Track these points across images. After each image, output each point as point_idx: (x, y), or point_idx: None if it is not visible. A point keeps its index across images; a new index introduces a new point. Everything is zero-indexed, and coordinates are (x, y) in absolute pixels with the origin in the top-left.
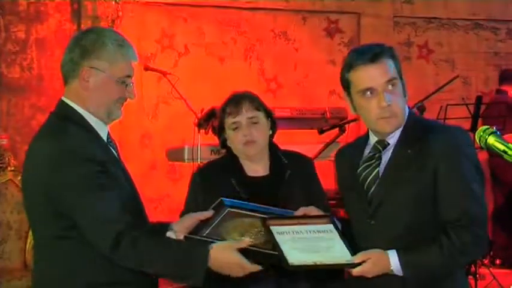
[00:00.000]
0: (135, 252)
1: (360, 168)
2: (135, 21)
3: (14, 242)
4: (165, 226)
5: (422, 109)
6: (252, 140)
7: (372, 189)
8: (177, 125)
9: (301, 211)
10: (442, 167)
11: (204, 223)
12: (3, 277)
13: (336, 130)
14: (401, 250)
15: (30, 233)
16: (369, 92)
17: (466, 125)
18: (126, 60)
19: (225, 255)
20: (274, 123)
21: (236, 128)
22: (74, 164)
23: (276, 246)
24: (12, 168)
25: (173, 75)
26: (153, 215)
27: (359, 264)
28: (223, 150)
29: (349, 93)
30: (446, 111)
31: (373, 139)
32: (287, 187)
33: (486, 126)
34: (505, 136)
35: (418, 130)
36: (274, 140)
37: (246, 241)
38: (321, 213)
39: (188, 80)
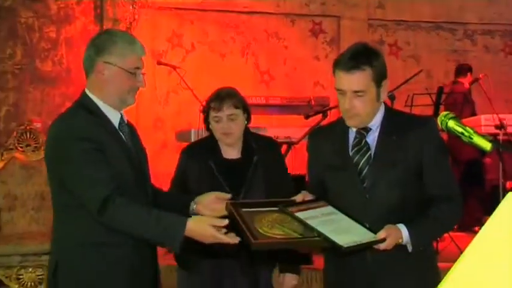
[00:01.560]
0: (119, 217)
1: (352, 152)
2: (149, 23)
3: (48, 210)
4: (189, 197)
5: (392, 98)
6: (230, 132)
7: (365, 170)
8: (185, 111)
9: (300, 197)
10: (426, 150)
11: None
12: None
13: (320, 116)
14: (409, 224)
15: None
16: (341, 92)
17: (429, 111)
18: (134, 55)
19: (201, 227)
20: (249, 116)
21: (217, 121)
22: (70, 141)
23: (309, 229)
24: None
25: (181, 69)
26: (166, 185)
27: (384, 239)
28: None
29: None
30: (412, 99)
31: (351, 126)
32: (254, 169)
33: (447, 112)
34: (463, 120)
35: (399, 119)
36: (270, 122)
37: (222, 220)
38: (312, 197)
39: (194, 73)
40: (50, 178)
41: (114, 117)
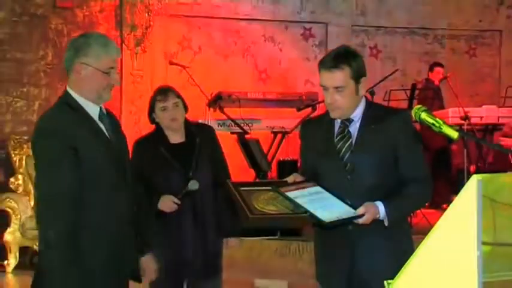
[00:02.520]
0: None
1: (336, 140)
2: (162, 28)
3: None
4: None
5: (372, 93)
6: (176, 118)
7: (347, 155)
8: (193, 105)
9: (291, 178)
10: (401, 138)
11: None
12: None
13: (309, 109)
14: (385, 202)
15: None
16: (324, 88)
17: (404, 105)
18: (109, 56)
19: None
20: (186, 107)
21: (164, 109)
22: (41, 136)
23: (298, 207)
24: None
25: (190, 68)
26: None
27: (363, 215)
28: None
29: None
30: (390, 94)
31: (335, 118)
32: (199, 149)
33: (419, 106)
34: (433, 113)
35: (378, 111)
36: (267, 114)
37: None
38: (300, 178)
39: (201, 72)
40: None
41: (93, 111)
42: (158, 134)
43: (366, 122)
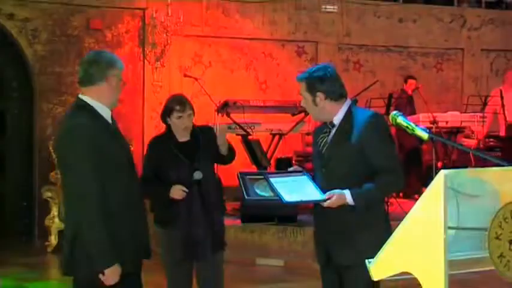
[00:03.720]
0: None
1: (319, 138)
2: (178, 46)
3: None
4: None
5: (355, 102)
6: (188, 127)
7: (323, 150)
8: (204, 111)
9: (291, 168)
10: (364, 135)
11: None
12: None
13: (303, 114)
14: (353, 189)
15: None
16: None
17: (382, 111)
18: (122, 69)
19: None
20: (194, 113)
21: (180, 118)
22: (70, 138)
23: (274, 191)
24: None
25: (201, 79)
26: None
27: (328, 199)
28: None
29: None
30: (370, 102)
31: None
32: (201, 146)
33: (396, 112)
34: (408, 117)
35: (355, 114)
36: (266, 119)
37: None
38: (299, 169)
39: (211, 83)
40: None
41: (106, 114)
42: (169, 134)
43: (342, 122)
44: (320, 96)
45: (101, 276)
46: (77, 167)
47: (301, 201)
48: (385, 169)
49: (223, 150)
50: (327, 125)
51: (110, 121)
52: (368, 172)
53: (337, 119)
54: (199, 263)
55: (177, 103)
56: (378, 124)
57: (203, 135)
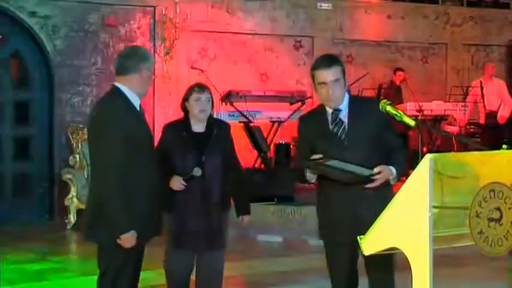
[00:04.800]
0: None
1: (331, 126)
2: (185, 40)
3: None
4: None
5: (348, 91)
6: (205, 110)
7: (343, 136)
8: None
9: (317, 156)
10: (382, 120)
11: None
12: None
13: (299, 103)
14: (394, 165)
15: None
16: (322, 84)
17: None
18: (151, 64)
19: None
20: (213, 103)
21: (198, 100)
22: (106, 122)
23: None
24: None
25: (207, 71)
26: None
27: (378, 173)
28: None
29: (313, 82)
30: (361, 93)
31: (329, 109)
32: (213, 140)
33: (385, 100)
34: (397, 106)
35: (359, 102)
36: (266, 107)
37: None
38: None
39: (216, 75)
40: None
41: (136, 102)
42: (184, 122)
43: (352, 110)
44: (346, 77)
45: (118, 240)
46: (109, 139)
47: (364, 176)
48: (396, 147)
49: None
50: (319, 113)
51: (138, 108)
52: (383, 153)
53: (343, 106)
54: (199, 259)
55: (196, 85)
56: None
57: (218, 129)
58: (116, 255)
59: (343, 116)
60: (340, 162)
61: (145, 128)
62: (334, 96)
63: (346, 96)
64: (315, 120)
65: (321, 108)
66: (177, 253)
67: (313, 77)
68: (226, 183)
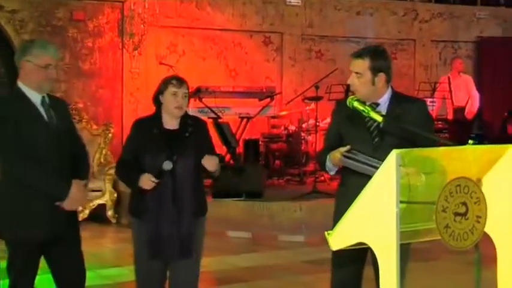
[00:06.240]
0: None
1: (366, 119)
2: (154, 36)
3: None
4: None
5: (317, 87)
6: (181, 107)
7: (376, 131)
8: None
9: (345, 149)
10: (421, 122)
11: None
12: None
13: (268, 99)
14: None
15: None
16: (351, 72)
17: (342, 96)
18: (47, 56)
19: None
20: (188, 99)
21: (175, 95)
22: None
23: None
24: (85, 120)
25: (176, 67)
26: None
27: None
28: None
29: None
30: (331, 88)
31: (367, 101)
32: (187, 138)
33: (353, 96)
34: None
35: (401, 99)
36: (235, 103)
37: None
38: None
39: (184, 70)
40: None
41: (36, 98)
42: (156, 118)
43: (392, 107)
44: (381, 76)
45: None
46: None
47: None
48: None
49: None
50: (368, 105)
51: (37, 105)
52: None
53: (383, 100)
54: (171, 266)
55: (174, 78)
56: (428, 111)
57: (194, 126)
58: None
59: (382, 109)
60: (366, 156)
61: (44, 125)
62: (355, 87)
63: (389, 91)
64: (349, 109)
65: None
66: (149, 263)
67: None
68: (199, 187)
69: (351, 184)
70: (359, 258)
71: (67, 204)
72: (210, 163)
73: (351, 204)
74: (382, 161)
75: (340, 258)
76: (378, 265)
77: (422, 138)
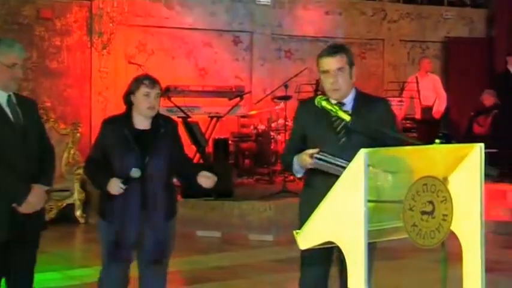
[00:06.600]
0: None
1: (333, 118)
2: (123, 35)
3: None
4: None
5: (286, 86)
6: (154, 108)
7: (343, 131)
8: None
9: (314, 151)
10: (388, 122)
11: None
12: None
13: (238, 98)
14: None
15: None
16: (326, 72)
17: (311, 95)
18: (13, 55)
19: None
20: (160, 98)
21: (147, 95)
22: None
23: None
24: (52, 119)
25: (145, 66)
26: None
27: None
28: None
29: (318, 71)
30: (300, 87)
31: (332, 101)
32: (159, 138)
33: (321, 96)
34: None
35: (365, 98)
36: (205, 103)
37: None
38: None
39: (154, 70)
40: None
41: (1, 98)
42: (126, 118)
43: (357, 106)
44: (354, 69)
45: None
46: None
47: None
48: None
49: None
50: (312, 104)
51: (3, 105)
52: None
53: (347, 100)
54: (139, 273)
55: (146, 78)
56: (391, 109)
57: (166, 126)
58: None
59: (348, 109)
60: (334, 157)
61: (9, 125)
62: (338, 85)
63: (353, 91)
64: (314, 109)
65: (314, 100)
66: (113, 266)
67: (318, 66)
68: (170, 188)
69: (317, 185)
70: (327, 257)
71: (23, 208)
72: (207, 182)
73: (317, 205)
74: (350, 161)
75: (309, 258)
76: (343, 264)
77: (390, 138)
